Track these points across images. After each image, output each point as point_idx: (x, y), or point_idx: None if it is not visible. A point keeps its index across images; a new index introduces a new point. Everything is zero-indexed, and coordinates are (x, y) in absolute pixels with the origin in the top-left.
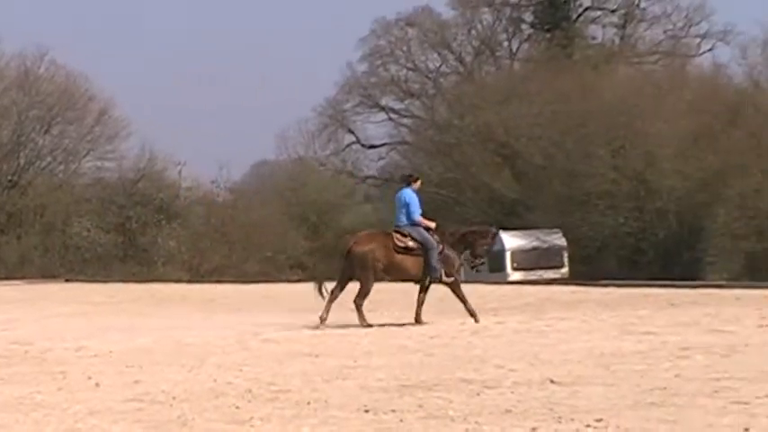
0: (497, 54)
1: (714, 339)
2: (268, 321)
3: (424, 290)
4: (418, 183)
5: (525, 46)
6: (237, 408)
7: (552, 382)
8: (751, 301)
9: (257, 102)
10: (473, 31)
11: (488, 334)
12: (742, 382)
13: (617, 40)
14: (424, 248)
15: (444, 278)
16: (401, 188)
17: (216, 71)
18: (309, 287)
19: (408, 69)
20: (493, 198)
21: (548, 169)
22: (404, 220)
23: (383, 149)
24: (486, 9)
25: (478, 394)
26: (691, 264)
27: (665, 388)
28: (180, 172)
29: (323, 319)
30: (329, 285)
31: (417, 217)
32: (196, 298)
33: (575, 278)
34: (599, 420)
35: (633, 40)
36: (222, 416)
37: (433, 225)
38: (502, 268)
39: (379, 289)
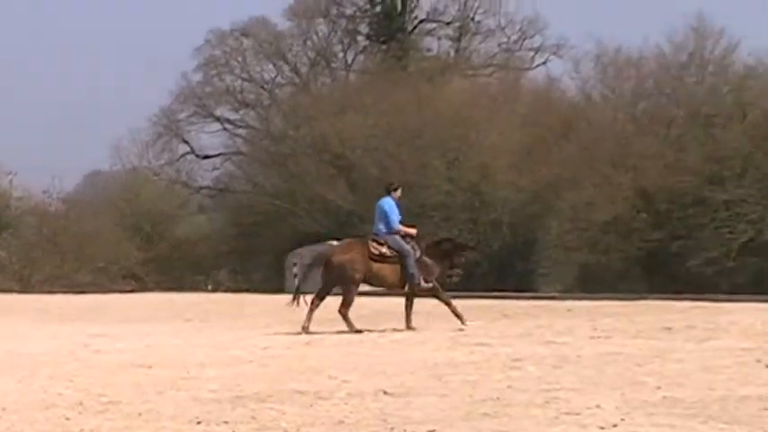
0: (333, 65)
1: (546, 350)
2: (100, 332)
3: (408, 298)
4: (398, 192)
5: (361, 57)
6: (68, 419)
7: (385, 393)
8: (583, 313)
9: (91, 111)
10: (308, 42)
11: (323, 345)
12: (573, 393)
13: (452, 53)
14: (400, 255)
15: (423, 284)
16: (382, 197)
17: (47, 78)
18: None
19: (243, 80)
20: (328, 209)
21: (383, 181)
22: (382, 228)
23: (218, 160)
24: (321, 20)
25: (311, 405)
26: (524, 275)
27: (497, 398)
28: (11, 182)
29: (306, 329)
30: (308, 297)
31: (396, 225)
32: (27, 308)
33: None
34: (431, 431)
35: (468, 52)
36: (53, 427)
37: (413, 232)
38: None
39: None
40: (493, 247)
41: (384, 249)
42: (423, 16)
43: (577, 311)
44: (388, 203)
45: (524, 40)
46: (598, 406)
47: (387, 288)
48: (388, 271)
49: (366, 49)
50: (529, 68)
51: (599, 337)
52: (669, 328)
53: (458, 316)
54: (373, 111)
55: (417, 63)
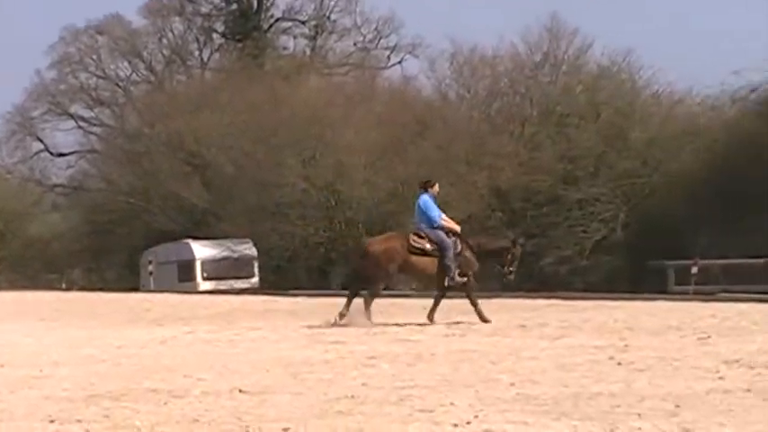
0: (189, 63)
1: (401, 348)
2: None
3: (441, 290)
4: (435, 187)
5: (217, 56)
6: None
7: (241, 391)
8: (439, 310)
9: None
10: (164, 40)
11: (178, 344)
12: (427, 390)
13: (308, 51)
14: (439, 248)
15: (457, 278)
16: (419, 194)
17: None
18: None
19: (98, 77)
20: (183, 207)
21: (238, 179)
22: (424, 226)
23: (72, 158)
24: (176, 18)
25: (165, 404)
26: None
27: (352, 396)
28: None
29: (343, 315)
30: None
31: (438, 221)
32: None
33: (265, 288)
34: (286, 429)
35: (324, 51)
36: None
37: (458, 228)
38: (192, 278)
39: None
40: (348, 246)
41: (426, 243)
42: (279, 15)
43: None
44: (425, 201)
45: (380, 39)
46: (452, 403)
47: (422, 281)
48: (426, 264)
49: (222, 48)
50: (385, 67)
51: (453, 335)
52: (523, 326)
53: (481, 317)
54: (229, 109)
55: (273, 61)
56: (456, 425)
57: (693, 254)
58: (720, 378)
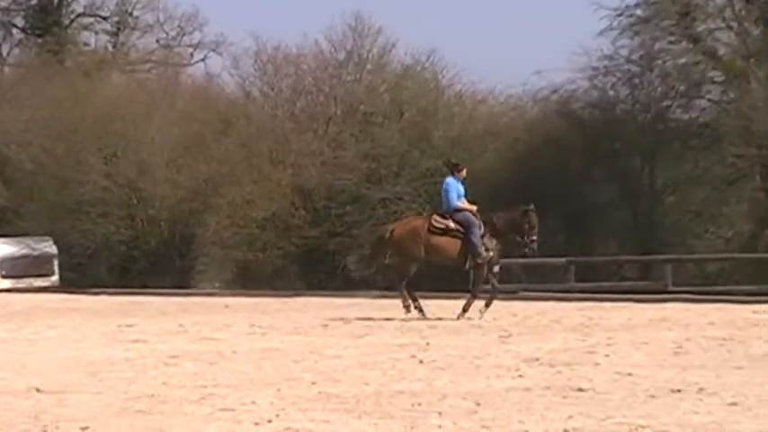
0: None
1: (203, 347)
2: None
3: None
4: (463, 172)
5: (17, 51)
6: None
7: (38, 390)
8: (241, 309)
9: None
10: None
11: None
12: (229, 389)
13: (110, 48)
14: (464, 227)
15: (484, 254)
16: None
17: None
18: None
19: None
20: None
21: (38, 176)
22: (444, 206)
23: None
24: None
25: None
26: (182, 272)
27: (152, 395)
28: None
29: (409, 307)
30: None
31: (453, 203)
32: None
33: (65, 286)
34: (85, 429)
35: (126, 48)
36: None
37: (474, 208)
38: None
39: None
40: (151, 244)
41: (449, 222)
42: (80, 10)
43: (235, 308)
44: (447, 184)
45: (183, 36)
46: (254, 402)
47: (449, 261)
48: (449, 244)
49: (22, 43)
50: (188, 64)
51: (256, 334)
52: (326, 325)
53: (465, 309)
54: (29, 105)
55: (74, 57)
56: (257, 423)
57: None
58: (520, 376)
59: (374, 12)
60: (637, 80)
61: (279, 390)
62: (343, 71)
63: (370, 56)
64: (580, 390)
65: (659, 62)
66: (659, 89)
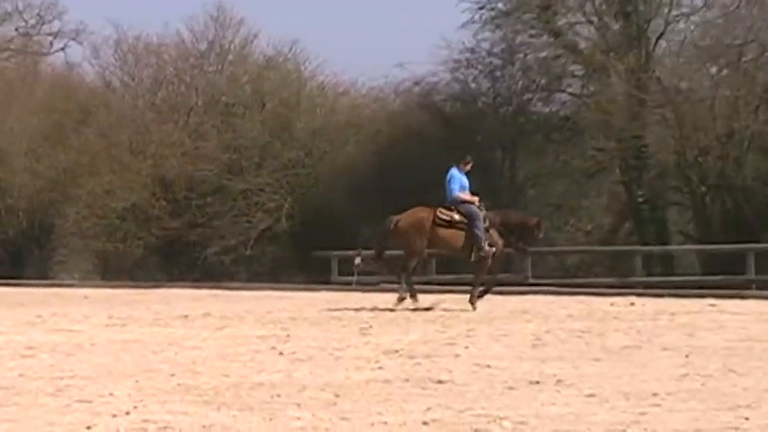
0: None
1: (61, 338)
2: None
3: (477, 269)
4: (468, 165)
5: None
6: None
7: None
8: (100, 300)
9: None
10: None
11: None
12: (86, 381)
13: None
14: (468, 219)
15: (486, 248)
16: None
17: None
18: None
19: None
20: None
21: None
22: (448, 198)
23: None
24: None
25: None
26: (41, 262)
27: (7, 387)
28: None
29: (403, 299)
30: None
31: (455, 194)
32: None
33: None
34: None
35: None
36: None
37: (476, 200)
38: None
39: None
40: (9, 234)
41: (454, 215)
42: None
43: (94, 299)
44: (450, 175)
45: (43, 24)
46: (111, 394)
47: (453, 253)
48: (453, 236)
49: None
50: (47, 53)
51: (115, 325)
52: (186, 316)
53: (473, 300)
54: None
55: None
56: (115, 415)
57: (357, 244)
58: (380, 368)
59: (236, 2)
60: (498, 73)
61: (137, 381)
62: (204, 62)
63: (232, 46)
64: (439, 381)
65: (520, 55)
66: (520, 82)
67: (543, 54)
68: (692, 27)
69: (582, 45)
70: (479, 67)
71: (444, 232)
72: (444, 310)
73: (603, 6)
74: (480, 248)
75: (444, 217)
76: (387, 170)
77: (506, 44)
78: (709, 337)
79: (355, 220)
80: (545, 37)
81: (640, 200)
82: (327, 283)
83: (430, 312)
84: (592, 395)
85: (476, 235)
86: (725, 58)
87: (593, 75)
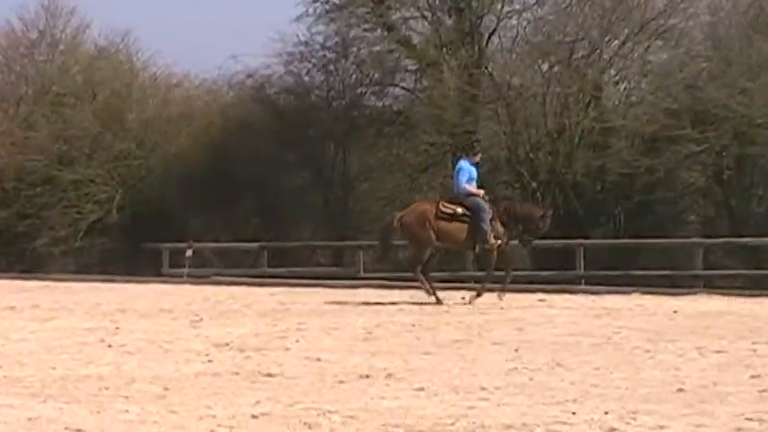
0: None
1: None
2: None
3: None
4: (477, 156)
5: None
6: None
7: None
8: None
9: None
10: None
11: None
12: None
13: None
14: (473, 212)
15: (492, 241)
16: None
17: None
18: None
19: None
20: None
21: None
22: (454, 190)
23: None
24: None
25: None
26: None
27: None
28: None
29: (430, 292)
30: None
31: (461, 187)
32: None
33: None
34: None
35: None
36: None
37: (480, 192)
38: None
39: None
40: None
41: (457, 208)
42: None
43: None
44: (460, 166)
45: None
46: None
47: (457, 246)
48: (457, 229)
49: None
50: None
51: None
52: (13, 308)
53: (479, 294)
54: None
55: None
56: None
57: (188, 237)
58: (210, 361)
59: None
60: (332, 67)
61: None
62: (35, 51)
63: (63, 36)
64: (269, 375)
65: (354, 49)
66: (354, 76)
67: (377, 48)
68: (525, 24)
69: (415, 40)
70: (313, 60)
71: (448, 226)
72: (277, 302)
73: (437, 2)
74: (485, 241)
75: (447, 210)
76: (219, 162)
77: (340, 38)
78: (539, 332)
79: (187, 212)
80: (379, 31)
81: None
82: (158, 275)
83: (261, 305)
84: (421, 389)
85: (481, 228)
86: (556, 54)
87: (427, 70)
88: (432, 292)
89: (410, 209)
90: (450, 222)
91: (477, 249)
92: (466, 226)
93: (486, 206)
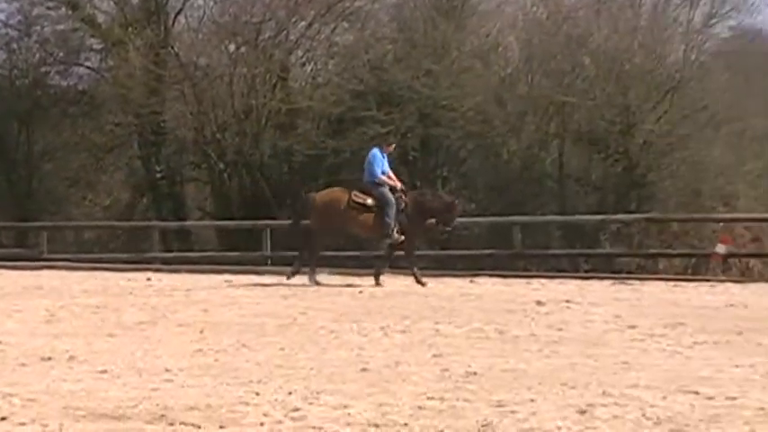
0: None
1: None
2: None
3: (387, 250)
4: (391, 147)
5: None
6: None
7: None
8: None
9: None
10: None
11: None
12: None
13: None
14: (381, 204)
15: (395, 236)
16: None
17: None
18: None
19: None
20: None
21: None
22: (366, 177)
23: None
24: None
25: None
26: None
27: None
28: None
29: (313, 279)
30: None
31: (377, 176)
32: None
33: None
34: None
35: None
36: None
37: (399, 185)
38: None
39: None
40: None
41: (367, 198)
42: None
43: None
44: (373, 155)
45: None
46: None
47: (365, 235)
48: (366, 218)
49: None
50: None
51: None
52: None
53: (418, 280)
54: None
55: None
56: None
57: None
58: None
59: None
60: (15, 45)
61: None
62: None
63: None
64: None
65: (38, 28)
66: (37, 55)
67: (61, 27)
68: (211, 4)
69: (101, 19)
70: None
71: (358, 215)
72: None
73: None
74: (389, 235)
75: (359, 200)
76: None
77: (23, 15)
78: (224, 313)
79: None
80: (63, 9)
81: (159, 175)
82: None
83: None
84: (104, 371)
85: (386, 222)
86: (243, 35)
87: (112, 49)
88: (296, 274)
89: (324, 192)
90: (361, 213)
91: (382, 240)
92: (373, 216)
93: (393, 199)
